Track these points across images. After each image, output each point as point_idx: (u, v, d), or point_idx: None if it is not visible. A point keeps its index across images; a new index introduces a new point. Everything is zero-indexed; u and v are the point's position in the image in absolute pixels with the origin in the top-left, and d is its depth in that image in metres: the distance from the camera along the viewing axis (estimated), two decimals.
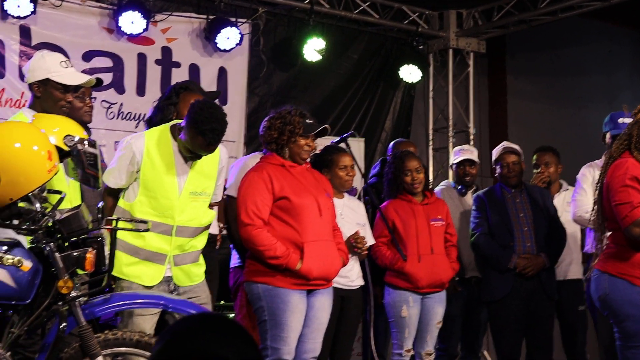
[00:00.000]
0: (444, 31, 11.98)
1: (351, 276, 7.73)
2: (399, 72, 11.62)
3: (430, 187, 8.57)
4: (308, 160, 7.12)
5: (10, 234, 5.47)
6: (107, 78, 8.65)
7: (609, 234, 6.23)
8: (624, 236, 6.06)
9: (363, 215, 8.11)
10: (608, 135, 8.25)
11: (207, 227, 6.68)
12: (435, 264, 8.03)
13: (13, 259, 5.33)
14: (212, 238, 7.37)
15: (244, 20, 10.58)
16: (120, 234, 6.00)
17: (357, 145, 9.81)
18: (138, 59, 9.94)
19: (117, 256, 6.05)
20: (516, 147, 8.92)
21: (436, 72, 12.15)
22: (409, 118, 12.07)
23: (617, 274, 6.09)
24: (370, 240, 7.93)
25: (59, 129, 6.01)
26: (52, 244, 5.39)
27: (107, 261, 5.64)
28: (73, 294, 5.41)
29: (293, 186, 6.85)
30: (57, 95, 6.45)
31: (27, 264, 5.36)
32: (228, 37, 10.25)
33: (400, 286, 8.01)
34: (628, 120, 8.05)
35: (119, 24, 9.80)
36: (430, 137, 12.12)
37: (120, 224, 5.88)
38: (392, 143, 9.58)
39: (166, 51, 10.18)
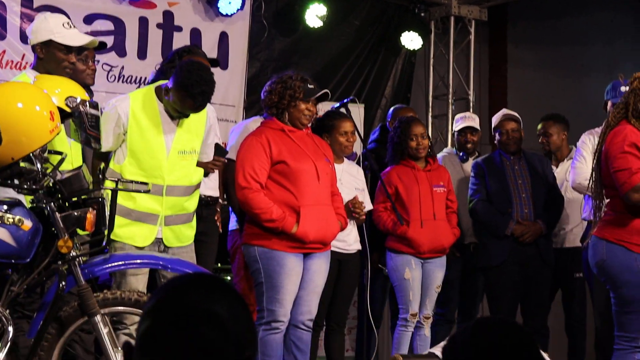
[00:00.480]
0: None
1: (349, 240, 7.77)
2: (400, 39, 11.58)
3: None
4: (309, 125, 7.13)
5: (11, 193, 5.50)
6: (108, 41, 8.60)
7: (607, 201, 6.25)
8: (622, 203, 6.09)
9: (362, 181, 8.14)
10: (609, 104, 8.24)
11: (198, 186, 6.70)
12: (437, 229, 8.09)
13: (14, 218, 5.36)
14: (212, 200, 7.40)
15: None
16: (125, 197, 6.12)
17: (357, 111, 9.77)
18: (139, 22, 9.90)
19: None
20: (515, 114, 8.91)
21: (437, 39, 12.11)
22: (409, 85, 12.06)
23: (614, 241, 6.10)
24: (368, 206, 7.97)
25: (61, 90, 6.04)
26: (52, 203, 5.42)
27: (107, 222, 5.69)
28: (73, 253, 5.45)
29: (292, 151, 6.87)
30: (60, 57, 6.45)
31: (27, 224, 5.39)
32: (230, 1, 10.20)
33: (402, 251, 8.05)
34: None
35: None
36: (430, 104, 12.09)
37: (121, 185, 5.96)
38: (391, 109, 9.60)
39: (168, 15, 10.14)
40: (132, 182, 6.12)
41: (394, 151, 8.23)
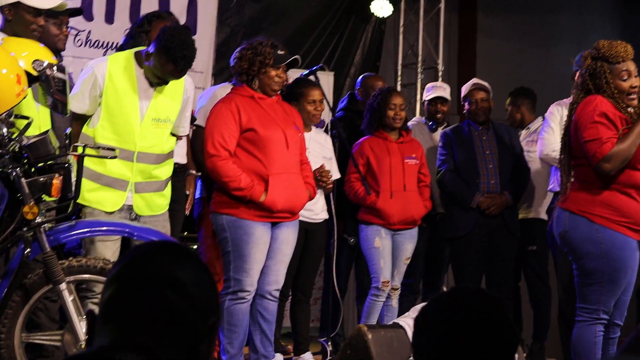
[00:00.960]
0: None
1: (316, 209, 7.79)
2: (370, 6, 11.57)
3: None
4: (278, 92, 7.12)
5: None
6: (75, 4, 8.59)
7: (573, 172, 6.28)
8: (589, 173, 6.12)
9: (330, 149, 8.16)
10: (578, 74, 8.29)
11: (170, 155, 6.70)
12: (407, 200, 8.13)
13: None
14: (179, 168, 7.38)
15: None
16: (92, 162, 6.12)
17: (326, 79, 9.81)
18: None
19: (83, 185, 6.09)
20: (485, 84, 8.93)
21: (407, 7, 12.09)
22: (379, 53, 12.05)
23: (577, 212, 6.14)
24: (335, 174, 8.01)
25: (28, 53, 6.00)
26: (18, 169, 5.43)
27: (73, 188, 5.68)
28: (38, 220, 5.46)
29: (261, 118, 6.86)
30: (28, 19, 6.41)
31: None
32: None
33: (372, 222, 8.10)
34: None
35: None
36: (399, 72, 12.10)
37: (88, 151, 5.93)
38: (360, 77, 9.58)
39: None
40: (99, 147, 6.11)
41: (371, 118, 8.24)
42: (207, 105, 7.47)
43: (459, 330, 2.78)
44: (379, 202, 8.02)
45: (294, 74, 7.60)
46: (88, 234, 6.02)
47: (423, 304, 5.60)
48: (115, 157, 6.10)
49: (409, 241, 8.22)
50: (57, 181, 5.52)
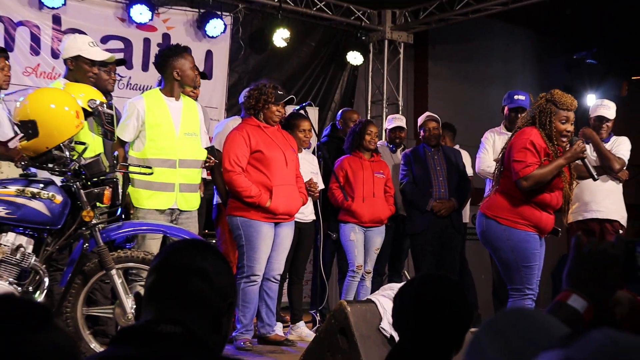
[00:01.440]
0: (381, 26, 11.89)
1: (306, 212, 7.80)
2: (346, 56, 11.57)
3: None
4: (279, 122, 7.17)
5: (46, 174, 5.49)
6: (118, 57, 8.57)
7: (500, 182, 6.28)
8: (506, 185, 6.14)
9: (316, 166, 8.20)
10: (506, 108, 8.32)
11: (202, 162, 6.66)
12: (375, 205, 8.21)
13: (48, 194, 5.38)
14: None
15: (228, 13, 10.52)
16: (137, 176, 6.16)
17: (312, 113, 9.85)
18: (144, 42, 9.88)
19: (137, 192, 6.32)
20: (436, 116, 8.94)
21: (374, 57, 12.08)
22: (353, 92, 12.03)
23: (490, 215, 6.15)
24: (320, 185, 8.01)
25: (85, 94, 6.08)
26: (78, 183, 5.45)
27: (120, 197, 5.70)
28: (94, 221, 5.47)
29: (266, 143, 6.93)
30: (86, 68, 6.47)
31: (58, 198, 5.42)
32: (215, 26, 10.23)
33: (348, 221, 8.17)
34: (521, 97, 8.18)
35: (130, 15, 9.71)
36: (369, 107, 12.09)
37: (131, 168, 6.02)
38: (340, 111, 9.67)
39: (166, 36, 10.12)
40: (139, 166, 6.11)
41: (352, 141, 8.32)
42: (222, 132, 7.53)
43: (427, 306, 2.86)
44: (354, 205, 8.11)
45: (288, 109, 7.60)
46: (132, 232, 6.01)
47: (396, 284, 5.58)
48: (151, 174, 6.11)
49: (377, 236, 8.30)
50: (107, 192, 5.55)
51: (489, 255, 7.58)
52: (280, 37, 10.81)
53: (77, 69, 6.48)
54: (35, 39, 9.32)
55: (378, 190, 8.22)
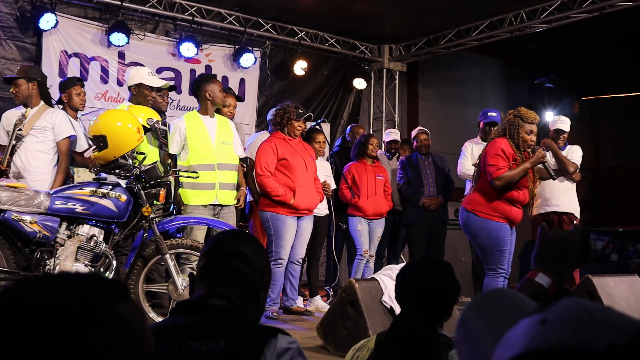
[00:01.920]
0: (380, 58, 11.88)
1: (321, 208, 7.75)
2: (353, 82, 11.56)
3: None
4: (300, 135, 7.16)
5: (113, 178, 5.50)
6: (171, 83, 8.60)
7: (478, 182, 6.30)
8: (483, 185, 6.13)
9: (329, 170, 8.15)
10: (481, 123, 8.32)
11: (236, 166, 6.65)
12: (377, 201, 8.17)
13: (115, 193, 5.41)
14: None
15: (257, 49, 10.54)
16: (185, 179, 6.19)
17: (326, 128, 9.87)
18: (190, 72, 9.90)
19: (185, 192, 6.35)
20: (426, 129, 8.95)
21: (375, 83, 12.07)
22: (358, 111, 12.01)
23: (470, 209, 6.14)
24: (333, 186, 7.98)
25: (144, 114, 6.13)
26: (139, 185, 5.48)
27: (172, 196, 5.73)
28: (151, 215, 5.49)
29: (290, 152, 6.92)
30: (146, 93, 6.51)
31: (124, 197, 5.44)
32: (247, 59, 10.24)
33: (355, 215, 8.15)
34: (494, 114, 8.20)
35: (179, 50, 9.73)
36: (371, 123, 12.09)
37: (182, 174, 6.06)
38: (349, 126, 9.66)
39: (208, 67, 10.13)
40: (187, 171, 6.14)
41: (358, 150, 8.30)
42: (253, 144, 7.51)
43: (425, 283, 2.84)
44: (360, 202, 8.08)
45: (308, 125, 7.60)
46: (182, 224, 6.03)
47: (394, 265, 5.59)
48: (197, 177, 6.15)
49: (379, 226, 8.26)
50: (162, 192, 5.59)
51: (469, 242, 7.57)
52: (300, 67, 10.82)
53: (139, 94, 6.52)
54: (105, 71, 9.35)
55: (379, 190, 8.19)
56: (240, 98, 8.31)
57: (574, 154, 7.79)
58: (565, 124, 7.93)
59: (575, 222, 7.69)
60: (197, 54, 9.90)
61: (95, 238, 5.34)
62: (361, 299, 5.13)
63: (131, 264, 5.53)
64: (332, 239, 8.29)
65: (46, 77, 6.78)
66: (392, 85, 12.11)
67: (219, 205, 6.46)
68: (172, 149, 6.40)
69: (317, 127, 8.17)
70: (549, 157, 7.32)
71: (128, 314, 1.19)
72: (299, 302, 7.42)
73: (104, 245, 5.37)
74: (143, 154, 5.72)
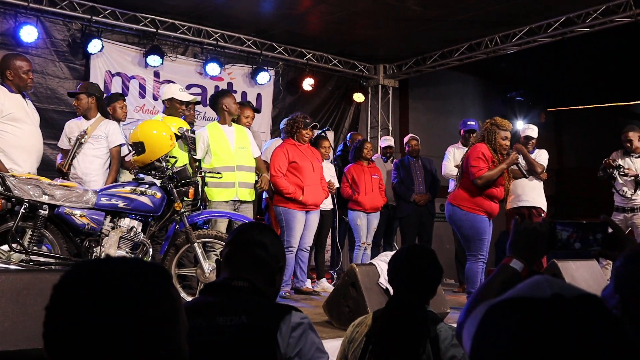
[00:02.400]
0: (376, 75, 11.84)
1: (326, 203, 7.70)
2: (353, 96, 11.53)
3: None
4: (308, 142, 7.12)
5: (150, 178, 5.49)
6: (198, 98, 8.62)
7: (461, 181, 6.29)
8: (466, 184, 6.11)
9: (333, 171, 8.10)
10: (462, 131, 8.32)
11: (253, 167, 6.62)
12: (374, 197, 8.10)
13: (152, 191, 5.38)
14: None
15: (272, 68, 10.51)
16: (210, 179, 6.16)
17: (330, 135, 9.84)
18: (215, 88, 9.83)
19: (210, 190, 6.30)
20: (416, 136, 8.95)
21: (372, 97, 12.03)
22: (358, 120, 11.97)
23: (455, 204, 6.13)
24: (336, 185, 7.94)
25: (176, 124, 6.15)
26: (171, 184, 5.46)
27: (200, 194, 5.71)
28: (182, 210, 5.47)
29: (299, 156, 6.88)
30: (177, 106, 6.51)
31: (159, 194, 5.41)
32: (263, 77, 10.22)
33: (355, 209, 8.09)
34: (472, 123, 8.20)
35: (205, 70, 9.74)
36: (368, 131, 12.06)
37: (207, 175, 6.04)
38: (349, 134, 9.65)
39: (229, 84, 10.10)
40: (212, 172, 6.13)
41: (355, 153, 8.25)
42: (268, 149, 7.52)
43: (412, 267, 2.83)
44: (359, 198, 8.02)
45: (315, 132, 7.59)
46: (208, 217, 6.01)
47: (389, 252, 5.58)
48: (221, 178, 6.14)
49: (375, 219, 8.19)
50: (191, 190, 5.57)
51: (453, 232, 7.57)
52: (308, 83, 10.80)
53: (171, 107, 6.52)
54: (142, 87, 9.35)
55: (375, 187, 8.13)
56: (257, 110, 8.32)
57: (542, 157, 7.78)
58: (533, 131, 7.93)
59: (542, 214, 7.68)
60: (220, 72, 9.89)
61: (134, 229, 5.33)
62: (361, 281, 5.11)
63: (165, 251, 5.52)
64: (336, 230, 8.27)
65: (103, 93, 6.84)
66: (387, 99, 12.08)
67: (239, 201, 6.44)
68: (197, 154, 6.39)
69: (323, 134, 8.18)
70: (521, 160, 7.33)
71: (177, 294, 1.23)
72: (308, 284, 7.39)
73: (142, 235, 5.36)
74: (175, 157, 5.71)
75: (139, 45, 9.30)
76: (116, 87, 9.04)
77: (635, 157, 7.55)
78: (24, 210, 5.02)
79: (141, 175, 5.50)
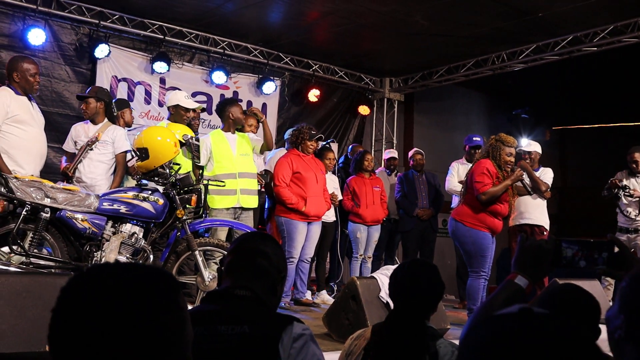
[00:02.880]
0: (382, 88, 11.84)
1: (329, 215, 7.71)
2: (358, 109, 11.50)
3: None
4: (313, 153, 7.13)
5: (152, 185, 5.49)
6: (203, 106, 8.64)
7: (465, 196, 6.29)
8: (470, 199, 6.12)
9: (337, 183, 8.12)
10: (466, 146, 8.32)
11: (255, 174, 6.63)
12: (375, 209, 8.05)
13: (154, 197, 5.39)
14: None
15: (277, 78, 10.50)
16: (212, 187, 6.15)
17: (334, 147, 9.86)
18: (220, 96, 9.79)
19: (212, 198, 6.27)
20: (421, 150, 8.95)
21: (377, 110, 12.02)
22: (362, 133, 11.95)
23: (458, 219, 6.14)
24: (339, 196, 7.94)
25: (180, 131, 6.16)
26: (174, 191, 5.46)
27: (202, 202, 5.71)
28: (184, 218, 5.47)
29: (303, 166, 6.88)
30: (182, 113, 6.51)
31: (161, 201, 5.42)
32: (269, 87, 10.21)
33: (356, 221, 8.04)
34: (477, 139, 8.20)
35: (211, 78, 9.73)
36: (373, 144, 12.04)
37: (211, 182, 6.04)
38: (350, 146, 9.67)
39: (235, 93, 10.10)
40: (215, 180, 6.13)
41: (355, 165, 8.21)
42: (273, 159, 7.49)
43: (414, 281, 2.81)
44: (360, 210, 7.97)
45: (319, 144, 7.61)
46: (209, 225, 6.02)
47: (390, 266, 5.57)
48: (224, 186, 6.13)
49: (376, 231, 8.13)
50: (194, 197, 5.58)
51: (455, 248, 7.56)
52: (313, 94, 10.79)
53: (176, 114, 6.52)
54: (148, 94, 9.36)
55: (376, 199, 8.08)
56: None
57: (546, 175, 7.76)
58: (530, 146, 7.88)
59: (545, 233, 7.66)
60: (226, 81, 9.89)
61: (136, 235, 5.33)
62: (362, 294, 5.10)
63: (166, 258, 5.52)
64: (337, 242, 8.24)
65: (112, 99, 6.85)
66: (392, 112, 12.08)
67: (241, 208, 6.43)
68: (201, 161, 6.40)
69: (328, 145, 8.18)
70: (525, 177, 7.32)
71: (184, 304, 1.23)
72: (308, 295, 7.36)
73: (143, 241, 5.36)
74: (178, 164, 5.71)
75: (146, 51, 9.32)
76: (122, 92, 9.06)
77: None
78: (25, 213, 5.02)
79: (144, 181, 5.49)
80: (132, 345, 1.13)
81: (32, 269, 4.94)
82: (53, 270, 5.04)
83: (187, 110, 6.52)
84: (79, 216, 5.19)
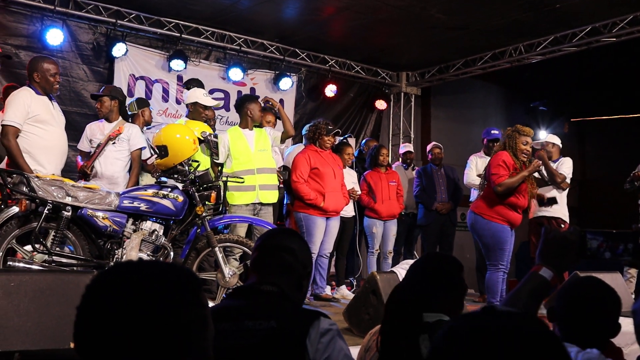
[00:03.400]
0: (399, 83, 11.82)
1: (347, 210, 7.72)
2: (375, 104, 11.51)
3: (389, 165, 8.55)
4: (330, 148, 7.13)
5: (172, 182, 5.51)
6: (221, 103, 8.65)
7: (484, 189, 6.29)
8: (488, 192, 6.13)
9: (355, 178, 8.09)
10: (485, 140, 8.28)
11: (274, 169, 6.66)
12: (391, 204, 8.06)
13: (174, 195, 5.41)
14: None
15: (294, 74, 10.53)
16: (232, 183, 6.12)
17: (352, 141, 9.82)
18: (237, 93, 9.86)
19: (231, 194, 6.26)
20: (439, 144, 8.94)
21: (394, 104, 12.02)
22: (379, 127, 11.94)
23: (477, 212, 6.15)
24: (358, 191, 7.92)
25: (199, 128, 6.16)
26: (193, 188, 5.47)
27: (222, 198, 5.72)
28: (204, 214, 5.47)
29: (321, 162, 6.89)
30: (200, 111, 6.53)
31: (181, 198, 5.42)
32: (285, 83, 10.24)
33: (372, 216, 8.06)
34: (496, 132, 8.17)
35: (228, 75, 9.76)
36: (390, 138, 12.03)
37: (230, 179, 6.02)
38: (363, 140, 9.73)
39: (252, 90, 10.11)
40: (234, 177, 6.15)
41: (371, 160, 8.23)
42: (291, 154, 7.50)
43: (433, 273, 2.78)
44: (376, 205, 7.98)
45: (337, 139, 7.60)
46: (229, 222, 6.05)
47: (410, 260, 5.57)
48: (243, 182, 6.14)
49: (393, 225, 8.13)
50: (213, 194, 5.58)
51: (474, 241, 7.54)
52: (330, 90, 10.80)
53: (195, 111, 6.54)
54: (165, 91, 9.41)
55: (392, 194, 8.08)
56: (279, 116, 8.31)
57: (564, 164, 7.71)
58: (547, 138, 7.88)
59: (563, 225, 7.63)
60: (243, 78, 9.92)
61: (156, 232, 5.35)
62: (382, 288, 5.10)
63: (186, 255, 5.53)
64: (356, 237, 8.22)
65: (126, 97, 6.88)
66: (409, 107, 12.05)
67: (260, 203, 6.45)
68: (219, 159, 6.42)
69: (345, 140, 8.18)
70: (542, 169, 7.33)
71: (206, 301, 1.25)
72: (327, 290, 7.39)
73: (164, 238, 5.37)
74: (197, 161, 5.71)
75: (163, 49, 9.36)
76: (140, 90, 9.11)
77: None
78: (47, 211, 5.06)
79: (164, 179, 5.51)
80: (155, 342, 1.15)
81: (54, 267, 4.99)
82: (75, 268, 5.09)
83: (205, 107, 6.55)
84: (100, 214, 5.22)
